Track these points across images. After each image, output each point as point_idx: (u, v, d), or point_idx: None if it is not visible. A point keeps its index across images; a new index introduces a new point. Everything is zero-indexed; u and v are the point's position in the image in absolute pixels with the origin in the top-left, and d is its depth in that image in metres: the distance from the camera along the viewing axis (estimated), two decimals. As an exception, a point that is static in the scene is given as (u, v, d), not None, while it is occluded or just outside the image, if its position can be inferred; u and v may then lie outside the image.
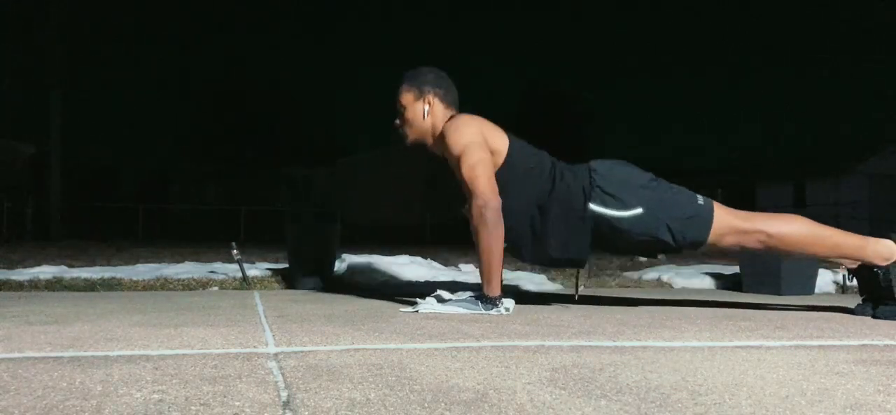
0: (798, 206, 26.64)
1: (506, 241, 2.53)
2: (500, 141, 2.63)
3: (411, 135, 2.78)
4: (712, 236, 2.53)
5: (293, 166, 32.37)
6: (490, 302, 2.45)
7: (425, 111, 2.73)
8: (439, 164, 2.76)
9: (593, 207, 2.53)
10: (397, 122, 2.81)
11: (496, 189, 2.52)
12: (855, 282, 2.67)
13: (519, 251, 2.64)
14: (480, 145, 2.57)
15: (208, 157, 32.72)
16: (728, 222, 2.54)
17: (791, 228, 2.53)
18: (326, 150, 34.18)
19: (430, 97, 2.73)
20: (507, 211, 2.52)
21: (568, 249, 2.57)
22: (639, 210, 2.51)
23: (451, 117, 2.71)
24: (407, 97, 2.76)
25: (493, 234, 2.48)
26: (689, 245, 2.56)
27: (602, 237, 2.56)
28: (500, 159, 2.60)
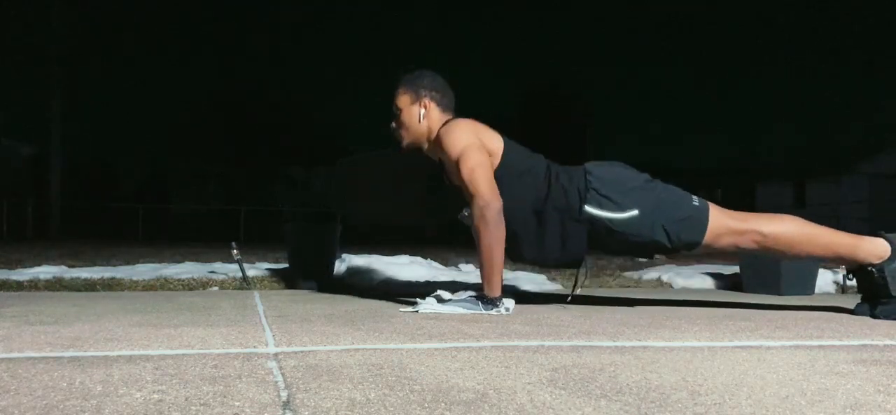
0: (798, 206, 26.67)
1: (508, 231, 2.54)
2: (495, 143, 2.64)
3: (407, 138, 2.78)
4: (708, 237, 2.53)
5: (293, 166, 32.37)
6: (490, 302, 2.45)
7: (421, 115, 2.73)
8: (438, 166, 2.77)
9: (589, 209, 2.53)
10: (393, 124, 2.81)
11: (497, 190, 2.52)
12: (855, 282, 2.67)
13: (516, 251, 2.64)
14: (478, 148, 2.57)
15: (208, 157, 32.72)
16: (723, 223, 2.54)
17: (785, 228, 2.54)
18: (326, 150, 34.18)
19: (427, 101, 2.73)
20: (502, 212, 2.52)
21: (564, 250, 2.57)
22: (634, 212, 2.52)
23: (447, 121, 2.71)
24: (403, 100, 2.76)
25: (494, 234, 2.48)
26: (684, 246, 2.56)
27: (598, 239, 2.57)
28: (496, 161, 2.61)
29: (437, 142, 2.70)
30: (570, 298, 3.06)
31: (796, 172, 28.18)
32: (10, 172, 21.67)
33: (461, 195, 2.63)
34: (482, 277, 2.51)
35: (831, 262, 2.64)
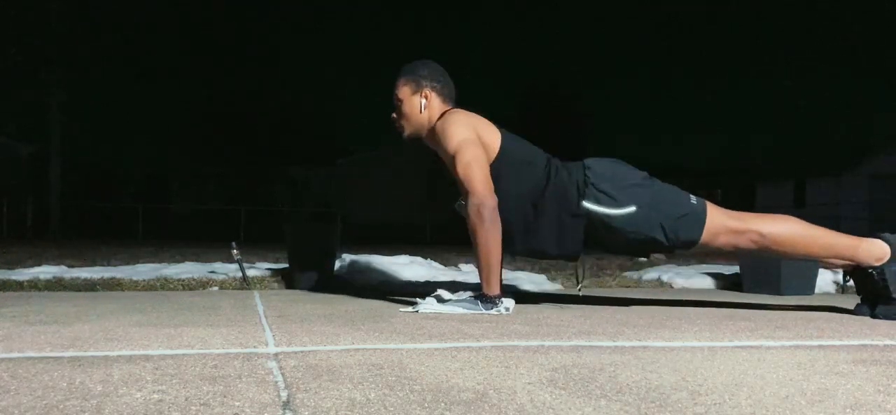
0: (798, 206, 26.65)
1: (505, 222, 2.53)
2: (492, 136, 2.64)
3: (408, 128, 2.79)
4: (705, 236, 2.53)
5: (293, 166, 32.37)
6: (490, 302, 2.45)
7: (422, 105, 2.74)
8: (438, 162, 2.77)
9: (587, 204, 2.53)
10: (394, 115, 2.81)
11: (492, 187, 2.52)
12: (849, 280, 2.67)
13: (510, 241, 2.62)
14: (474, 142, 2.57)
15: (208, 157, 32.72)
16: (721, 222, 2.54)
17: (783, 228, 2.54)
18: (326, 150, 34.18)
19: (427, 91, 2.74)
20: (499, 201, 2.52)
21: (561, 244, 2.58)
22: (632, 208, 2.51)
23: (444, 112, 2.71)
24: (404, 91, 2.76)
25: (490, 232, 2.48)
26: (681, 244, 2.56)
27: (595, 235, 2.57)
28: (493, 153, 2.61)
29: (434, 133, 2.70)
30: (580, 287, 3.07)
31: (796, 171, 28.17)
32: (9, 172, 21.67)
33: (458, 187, 2.64)
34: (480, 276, 2.51)
35: (830, 263, 2.63)
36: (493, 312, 2.42)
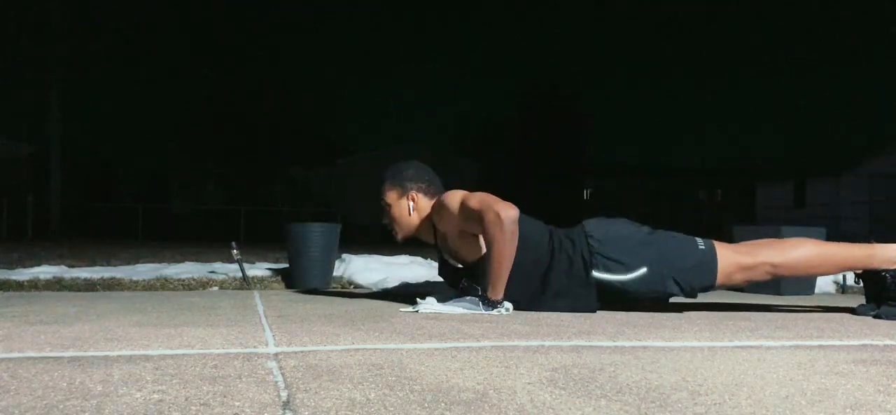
0: (798, 206, 26.65)
1: (511, 298, 2.48)
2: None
3: (400, 232, 2.84)
4: (720, 278, 2.53)
5: (293, 166, 32.36)
6: (491, 304, 2.45)
7: (410, 207, 2.79)
8: (445, 251, 2.77)
9: (596, 274, 2.51)
10: (385, 220, 2.85)
11: (512, 205, 2.49)
12: (860, 283, 2.67)
13: (528, 306, 2.56)
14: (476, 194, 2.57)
15: (208, 157, 32.72)
16: (732, 261, 2.52)
17: (798, 255, 2.52)
18: (326, 150, 34.18)
19: (414, 193, 2.78)
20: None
21: (577, 306, 2.53)
22: (643, 270, 2.50)
23: (436, 201, 2.71)
24: (391, 195, 2.81)
25: (508, 244, 2.43)
26: (699, 290, 2.56)
27: (609, 298, 2.55)
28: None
29: (434, 218, 2.71)
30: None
31: (796, 171, 28.16)
32: (9, 172, 21.67)
33: (466, 267, 2.66)
34: (488, 280, 2.46)
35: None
36: (494, 312, 2.42)
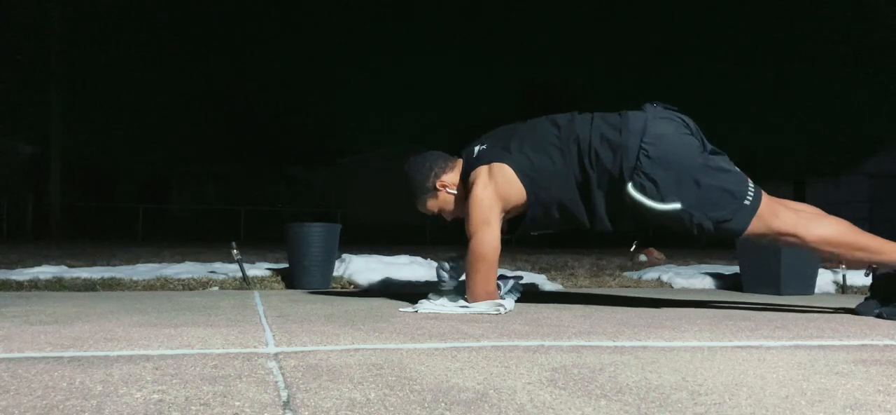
0: (798, 205, 26.61)
1: (554, 226, 2.66)
2: (516, 193, 2.60)
3: (452, 216, 2.84)
4: (748, 233, 2.51)
5: (293, 166, 32.38)
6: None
7: (448, 194, 2.78)
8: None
9: (632, 191, 2.48)
10: (449, 219, 2.87)
11: (493, 234, 2.55)
12: (870, 278, 2.64)
13: (578, 222, 2.63)
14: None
15: (208, 157, 32.73)
16: (766, 224, 2.49)
17: (830, 232, 2.49)
18: (326, 150, 34.20)
19: (437, 183, 2.78)
20: (549, 201, 2.58)
21: (612, 221, 2.59)
22: (676, 205, 2.46)
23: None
24: (431, 206, 2.82)
25: (476, 271, 2.52)
26: (722, 237, 2.56)
27: (635, 211, 2.54)
28: (521, 199, 2.61)
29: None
30: (632, 251, 3.06)
31: (796, 171, 28.14)
32: (9, 173, 21.67)
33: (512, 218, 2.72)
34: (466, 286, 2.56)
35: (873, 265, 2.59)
36: (494, 312, 2.42)
